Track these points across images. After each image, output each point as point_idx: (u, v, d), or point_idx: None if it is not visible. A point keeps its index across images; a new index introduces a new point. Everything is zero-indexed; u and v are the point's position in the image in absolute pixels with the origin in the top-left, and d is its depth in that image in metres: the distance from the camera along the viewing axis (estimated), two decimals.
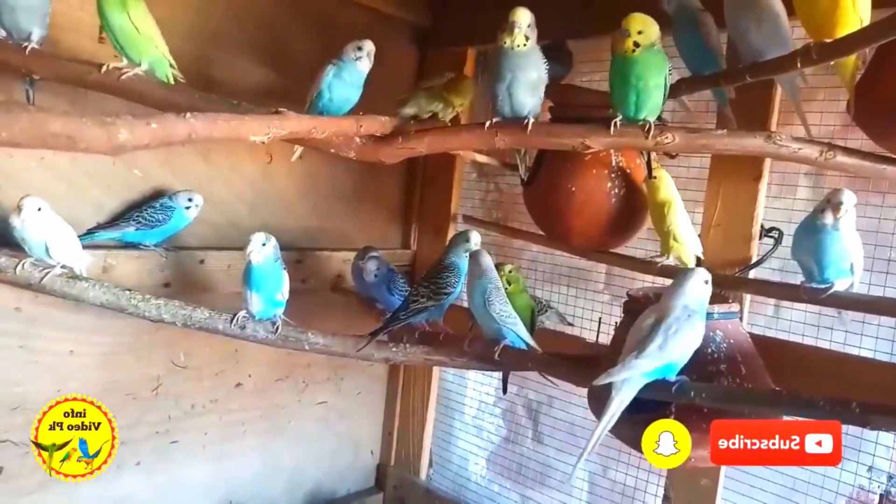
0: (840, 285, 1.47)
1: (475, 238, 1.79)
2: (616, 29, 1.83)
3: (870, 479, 1.77)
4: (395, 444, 2.70)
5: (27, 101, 1.59)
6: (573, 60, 2.05)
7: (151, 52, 1.55)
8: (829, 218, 1.42)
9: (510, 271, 1.91)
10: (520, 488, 2.50)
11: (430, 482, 2.66)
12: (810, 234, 1.47)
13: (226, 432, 2.21)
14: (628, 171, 1.81)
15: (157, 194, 1.92)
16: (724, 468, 1.82)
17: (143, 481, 2.02)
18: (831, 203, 1.42)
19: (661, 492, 1.99)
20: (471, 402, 2.66)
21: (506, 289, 1.80)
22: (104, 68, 1.51)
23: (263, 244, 1.61)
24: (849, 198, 1.41)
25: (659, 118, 1.93)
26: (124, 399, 1.94)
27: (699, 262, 1.82)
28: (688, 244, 1.73)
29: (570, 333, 2.22)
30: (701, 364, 1.43)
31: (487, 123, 1.59)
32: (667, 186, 1.73)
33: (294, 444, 2.42)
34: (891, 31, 1.17)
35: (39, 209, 1.52)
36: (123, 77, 1.51)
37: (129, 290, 1.58)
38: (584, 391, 1.80)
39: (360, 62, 1.67)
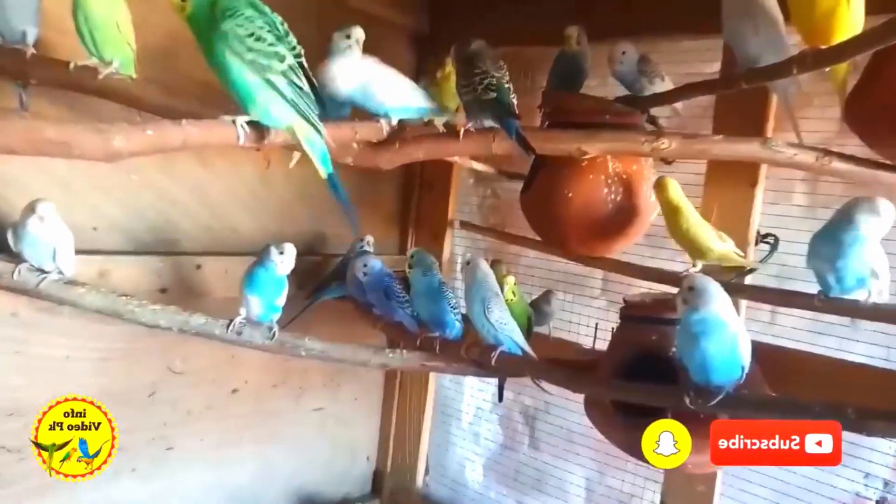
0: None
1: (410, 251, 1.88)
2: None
3: (866, 485, 1.77)
4: (391, 450, 2.69)
5: (20, 105, 1.58)
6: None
7: (125, 51, 1.53)
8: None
9: (515, 283, 1.92)
10: (517, 495, 2.49)
11: (427, 488, 2.66)
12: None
13: (222, 438, 2.20)
14: (625, 176, 1.81)
15: None
16: (720, 474, 1.82)
17: (139, 488, 2.01)
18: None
19: (657, 498, 1.99)
20: (468, 409, 2.65)
21: (510, 300, 1.84)
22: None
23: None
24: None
25: (654, 123, 1.95)
26: (120, 405, 1.91)
27: None
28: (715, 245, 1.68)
29: (567, 339, 2.23)
30: None
31: None
32: (675, 193, 1.71)
33: (290, 450, 2.42)
34: (886, 37, 1.17)
35: (53, 213, 1.52)
36: (101, 76, 1.48)
37: (126, 295, 1.57)
38: (581, 398, 1.81)
39: (350, 51, 1.60)
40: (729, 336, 1.30)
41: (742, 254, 1.71)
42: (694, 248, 1.68)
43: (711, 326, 1.30)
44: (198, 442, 2.14)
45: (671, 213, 1.68)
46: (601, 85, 2.10)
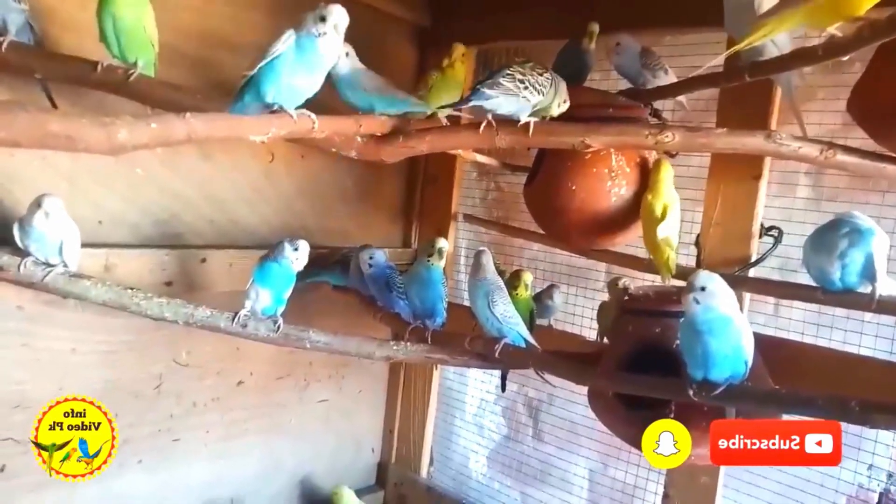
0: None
1: (440, 244, 1.82)
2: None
3: (869, 477, 1.77)
4: (396, 441, 2.70)
5: (49, 102, 1.61)
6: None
7: (149, 52, 1.56)
8: None
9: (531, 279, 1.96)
10: (520, 486, 2.50)
11: (431, 480, 2.67)
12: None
13: (227, 430, 2.21)
14: (628, 169, 1.81)
15: None
16: (723, 466, 1.83)
17: (144, 479, 2.02)
18: None
19: (661, 490, 1.99)
20: (471, 400, 2.66)
21: (521, 295, 1.88)
22: (100, 67, 1.50)
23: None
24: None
25: (658, 116, 1.94)
26: (126, 397, 1.94)
27: (698, 262, 1.83)
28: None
29: (571, 332, 2.23)
30: None
31: None
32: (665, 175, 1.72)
33: (295, 443, 2.43)
34: (891, 30, 1.17)
35: (60, 207, 1.53)
36: (132, 78, 1.50)
37: (131, 288, 1.58)
38: (585, 389, 1.81)
39: (321, 39, 1.32)
40: (733, 334, 1.30)
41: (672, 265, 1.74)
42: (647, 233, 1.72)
43: (717, 324, 1.30)
44: (203, 434, 2.15)
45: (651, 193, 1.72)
46: (604, 78, 2.10)
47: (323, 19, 1.31)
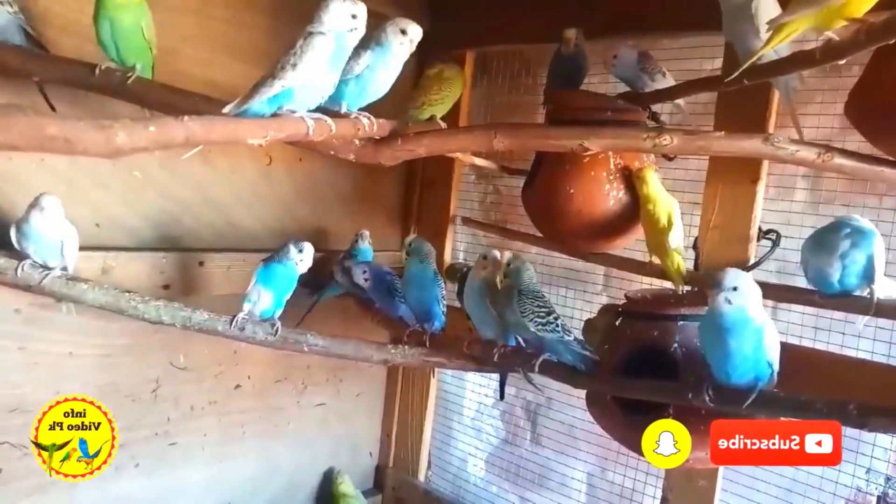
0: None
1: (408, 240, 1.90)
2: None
3: (867, 480, 1.77)
4: (393, 445, 2.70)
5: (48, 104, 1.62)
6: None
7: (147, 55, 1.56)
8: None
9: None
10: (518, 490, 2.50)
11: (429, 484, 2.66)
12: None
13: (225, 434, 2.21)
14: (626, 173, 1.81)
15: None
16: (721, 470, 1.82)
17: (142, 483, 2.02)
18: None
19: (659, 493, 1.99)
20: (469, 404, 2.66)
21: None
22: (98, 69, 1.52)
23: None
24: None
25: (656, 119, 1.94)
26: (123, 401, 1.94)
27: (696, 265, 1.83)
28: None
29: None
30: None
31: None
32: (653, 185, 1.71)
33: (293, 446, 2.42)
34: (888, 34, 1.17)
35: (59, 208, 1.53)
36: (130, 82, 1.51)
37: (129, 291, 1.58)
38: (583, 393, 1.81)
39: (402, 48, 1.53)
40: (756, 335, 1.29)
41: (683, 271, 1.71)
42: (655, 242, 1.70)
43: (741, 325, 1.29)
44: (200, 437, 2.15)
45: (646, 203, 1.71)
46: (603, 82, 2.10)
47: (404, 33, 1.55)
